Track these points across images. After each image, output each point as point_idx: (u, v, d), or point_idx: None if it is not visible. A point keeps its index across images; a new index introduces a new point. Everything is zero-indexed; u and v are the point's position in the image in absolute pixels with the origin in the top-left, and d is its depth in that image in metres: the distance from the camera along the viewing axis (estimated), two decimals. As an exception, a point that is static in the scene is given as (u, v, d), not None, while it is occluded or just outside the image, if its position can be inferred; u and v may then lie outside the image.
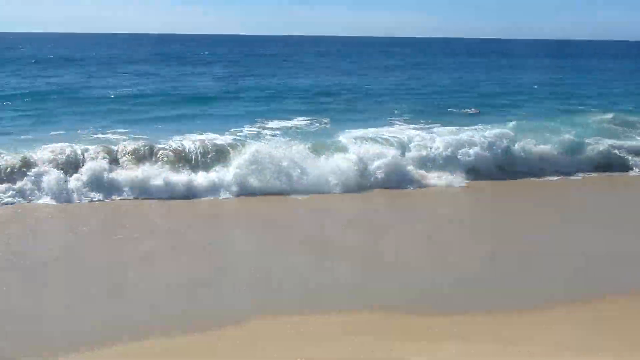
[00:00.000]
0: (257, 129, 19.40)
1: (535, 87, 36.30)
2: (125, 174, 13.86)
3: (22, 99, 25.31)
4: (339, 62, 63.28)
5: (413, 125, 20.15)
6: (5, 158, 13.87)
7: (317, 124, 21.07)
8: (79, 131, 17.87)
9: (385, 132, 18.34)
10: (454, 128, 18.74)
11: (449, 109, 25.23)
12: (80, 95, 27.76)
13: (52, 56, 61.59)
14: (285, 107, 25.54)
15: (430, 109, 25.02)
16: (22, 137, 17.12)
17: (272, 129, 19.70)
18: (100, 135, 17.46)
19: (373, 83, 37.12)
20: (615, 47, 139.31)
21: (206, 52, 71.89)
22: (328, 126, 20.66)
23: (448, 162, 16.11)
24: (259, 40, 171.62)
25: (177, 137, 16.59)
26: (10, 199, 12.80)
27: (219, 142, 16.14)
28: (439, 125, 19.95)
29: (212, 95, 29.01)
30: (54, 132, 17.62)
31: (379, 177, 15.09)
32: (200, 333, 7.09)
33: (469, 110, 25.04)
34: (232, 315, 7.60)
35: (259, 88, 32.68)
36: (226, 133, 18.10)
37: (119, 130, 18.28)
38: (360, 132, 18.06)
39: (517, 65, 60.26)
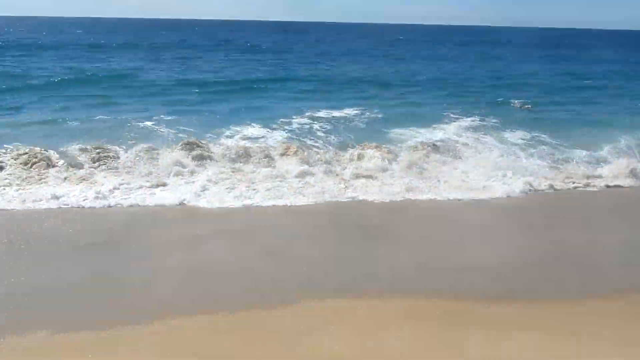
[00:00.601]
0: (306, 120, 18.85)
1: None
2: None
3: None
4: (390, 50, 62.03)
5: (470, 120, 19.23)
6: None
7: (367, 114, 20.37)
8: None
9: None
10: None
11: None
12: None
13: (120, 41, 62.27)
14: (335, 96, 24.98)
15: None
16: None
17: (321, 119, 19.10)
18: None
19: (425, 72, 36.01)
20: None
21: (247, 42, 71.49)
22: (379, 116, 19.98)
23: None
24: (293, 25, 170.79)
25: (229, 132, 16.48)
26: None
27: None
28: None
29: (261, 82, 28.60)
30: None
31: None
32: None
33: (516, 103, 23.82)
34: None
35: (308, 76, 32.15)
36: (274, 125, 17.70)
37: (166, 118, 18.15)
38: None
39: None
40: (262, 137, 16.09)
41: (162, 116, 18.47)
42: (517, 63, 45.04)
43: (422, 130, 17.40)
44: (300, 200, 11.21)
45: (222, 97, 24.05)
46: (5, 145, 13.71)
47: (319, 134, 16.64)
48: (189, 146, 13.99)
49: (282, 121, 18.47)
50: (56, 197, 10.62)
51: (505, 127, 17.98)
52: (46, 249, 8.66)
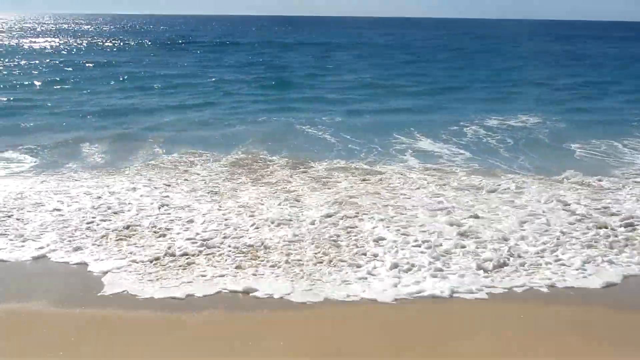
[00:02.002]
0: (478, 129, 16.28)
1: None
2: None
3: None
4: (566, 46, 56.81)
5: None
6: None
7: (548, 123, 17.38)
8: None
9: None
10: None
11: None
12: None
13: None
14: (504, 98, 22.11)
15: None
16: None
17: (495, 129, 16.42)
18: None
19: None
20: None
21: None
22: (562, 126, 16.98)
23: None
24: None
25: (397, 144, 14.42)
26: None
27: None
28: None
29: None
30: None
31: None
32: None
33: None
34: None
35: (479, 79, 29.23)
36: (443, 134, 15.37)
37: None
38: None
39: None
40: (437, 153, 13.68)
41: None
42: None
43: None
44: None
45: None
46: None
47: (502, 151, 13.95)
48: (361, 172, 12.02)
49: (451, 130, 16.07)
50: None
51: None
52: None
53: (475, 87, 25.89)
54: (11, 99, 21.07)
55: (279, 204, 9.44)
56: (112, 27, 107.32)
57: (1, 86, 24.17)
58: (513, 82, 27.19)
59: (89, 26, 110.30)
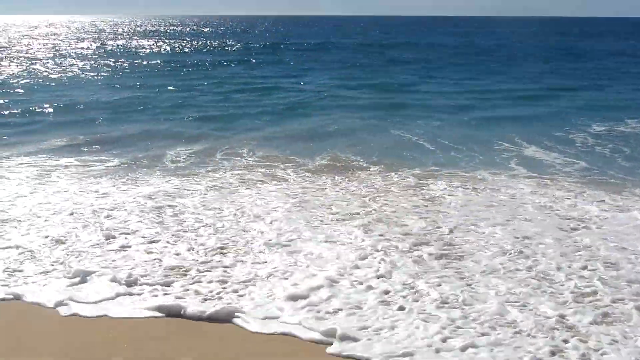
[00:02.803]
0: (586, 136, 14.76)
1: None
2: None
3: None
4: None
5: None
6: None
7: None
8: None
9: None
10: None
11: None
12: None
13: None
14: (606, 104, 20.31)
15: None
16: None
17: (603, 136, 14.84)
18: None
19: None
20: None
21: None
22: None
23: None
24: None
25: (505, 151, 13.07)
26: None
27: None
28: None
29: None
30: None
31: None
32: None
33: None
34: None
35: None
36: (547, 141, 14.00)
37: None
38: None
39: None
40: (547, 161, 12.28)
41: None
42: None
43: None
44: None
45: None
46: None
47: (620, 161, 12.41)
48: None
49: (556, 136, 14.63)
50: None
51: None
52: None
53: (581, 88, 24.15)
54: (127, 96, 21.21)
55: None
56: (210, 29, 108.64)
57: (118, 86, 24.64)
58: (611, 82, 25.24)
59: (180, 27, 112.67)
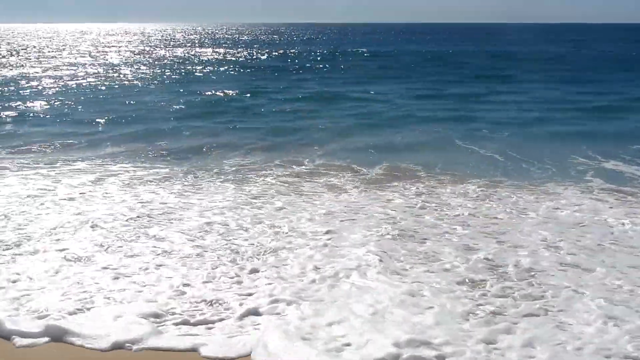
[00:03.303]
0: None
1: None
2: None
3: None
4: None
5: None
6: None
7: None
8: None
9: None
10: None
11: None
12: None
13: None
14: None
15: None
16: None
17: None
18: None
19: None
20: None
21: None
22: None
23: None
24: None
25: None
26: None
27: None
28: None
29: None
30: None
31: None
32: None
33: None
34: None
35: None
36: (623, 154, 13.01)
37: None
38: None
39: None
40: (628, 175, 11.36)
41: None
42: None
43: None
44: None
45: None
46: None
47: None
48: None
49: (634, 150, 13.60)
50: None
51: None
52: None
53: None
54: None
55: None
56: (300, 36, 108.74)
57: (191, 91, 25.19)
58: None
59: (267, 36, 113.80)
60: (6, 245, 7.33)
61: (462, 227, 8.25)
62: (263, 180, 11.05)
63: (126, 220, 8.40)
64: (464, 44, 76.11)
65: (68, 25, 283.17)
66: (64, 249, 7.21)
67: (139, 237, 7.72)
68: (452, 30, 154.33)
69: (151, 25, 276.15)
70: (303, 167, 12.22)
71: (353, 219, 8.57)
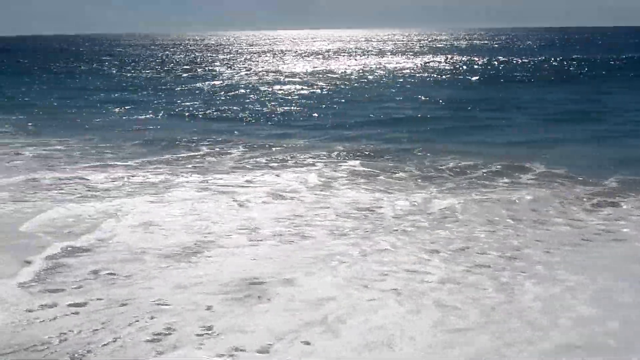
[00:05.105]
0: None
1: None
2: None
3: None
4: None
5: None
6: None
7: None
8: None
9: None
10: None
11: None
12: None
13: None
14: None
15: None
16: None
17: None
18: None
19: None
20: None
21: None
22: None
23: None
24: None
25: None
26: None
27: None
28: None
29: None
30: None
31: None
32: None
33: None
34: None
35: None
36: None
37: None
38: None
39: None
40: None
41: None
42: None
43: None
44: None
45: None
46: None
47: None
48: None
49: None
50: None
51: None
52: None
53: None
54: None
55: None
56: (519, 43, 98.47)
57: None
58: None
59: (482, 41, 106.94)
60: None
61: None
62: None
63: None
64: None
65: (326, 32, 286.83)
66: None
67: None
68: None
69: (404, 31, 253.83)
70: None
71: None
